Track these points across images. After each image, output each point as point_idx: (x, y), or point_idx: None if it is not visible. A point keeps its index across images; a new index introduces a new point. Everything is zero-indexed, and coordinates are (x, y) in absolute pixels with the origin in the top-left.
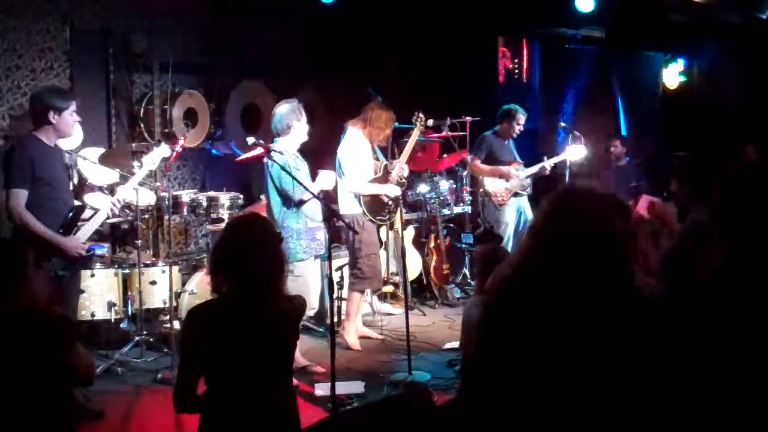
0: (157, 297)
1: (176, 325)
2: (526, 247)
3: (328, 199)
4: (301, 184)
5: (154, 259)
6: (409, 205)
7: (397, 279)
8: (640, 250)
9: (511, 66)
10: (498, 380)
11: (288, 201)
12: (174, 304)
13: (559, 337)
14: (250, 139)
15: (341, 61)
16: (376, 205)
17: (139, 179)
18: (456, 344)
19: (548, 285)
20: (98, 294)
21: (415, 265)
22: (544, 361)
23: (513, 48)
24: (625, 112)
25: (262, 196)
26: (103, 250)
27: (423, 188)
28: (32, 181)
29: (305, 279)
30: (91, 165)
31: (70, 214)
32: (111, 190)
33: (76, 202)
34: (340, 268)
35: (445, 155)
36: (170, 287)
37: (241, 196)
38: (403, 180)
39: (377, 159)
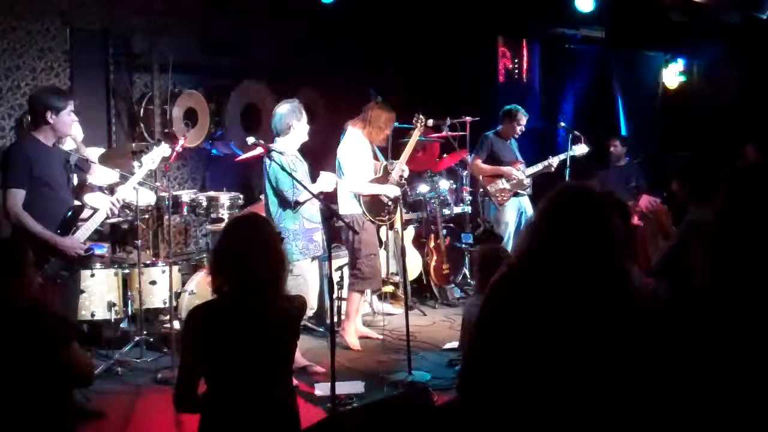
0: (157, 297)
1: (176, 325)
2: (523, 244)
3: (328, 199)
4: (300, 183)
5: (154, 259)
6: (409, 205)
7: (397, 279)
8: (640, 250)
9: (511, 66)
10: (495, 374)
11: (284, 202)
12: (174, 304)
13: (555, 333)
14: (250, 139)
15: (341, 61)
16: (375, 206)
17: (139, 179)
18: (456, 344)
19: (545, 281)
20: (98, 294)
21: (415, 265)
22: (541, 356)
23: (513, 48)
24: (625, 112)
25: (262, 196)
26: (103, 250)
27: (423, 188)
28: (30, 181)
29: (305, 278)
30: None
31: (69, 214)
32: (111, 190)
33: (76, 202)
34: (340, 268)
35: (445, 155)
36: (170, 287)
37: (241, 196)
38: (403, 181)
39: (377, 159)
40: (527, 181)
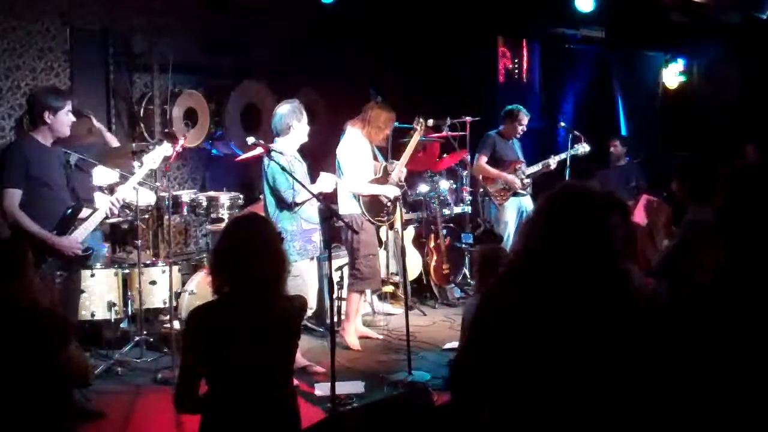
0: (157, 297)
1: (176, 325)
2: (521, 243)
3: (328, 199)
4: (300, 183)
5: (154, 259)
6: (409, 205)
7: (397, 279)
8: (640, 250)
9: (511, 66)
10: (491, 373)
11: (282, 203)
12: (174, 304)
13: (553, 332)
14: (250, 139)
15: (341, 61)
16: (375, 206)
17: (140, 178)
18: (456, 344)
19: (542, 281)
20: (98, 294)
21: (415, 265)
22: (539, 355)
23: (513, 48)
24: (625, 112)
25: (262, 196)
26: (103, 250)
27: (423, 188)
28: (27, 181)
29: (303, 279)
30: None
31: (67, 214)
32: (111, 190)
33: (99, 202)
34: (340, 268)
35: (445, 155)
36: (170, 287)
37: (241, 196)
38: (402, 182)
39: (376, 160)
40: (527, 181)
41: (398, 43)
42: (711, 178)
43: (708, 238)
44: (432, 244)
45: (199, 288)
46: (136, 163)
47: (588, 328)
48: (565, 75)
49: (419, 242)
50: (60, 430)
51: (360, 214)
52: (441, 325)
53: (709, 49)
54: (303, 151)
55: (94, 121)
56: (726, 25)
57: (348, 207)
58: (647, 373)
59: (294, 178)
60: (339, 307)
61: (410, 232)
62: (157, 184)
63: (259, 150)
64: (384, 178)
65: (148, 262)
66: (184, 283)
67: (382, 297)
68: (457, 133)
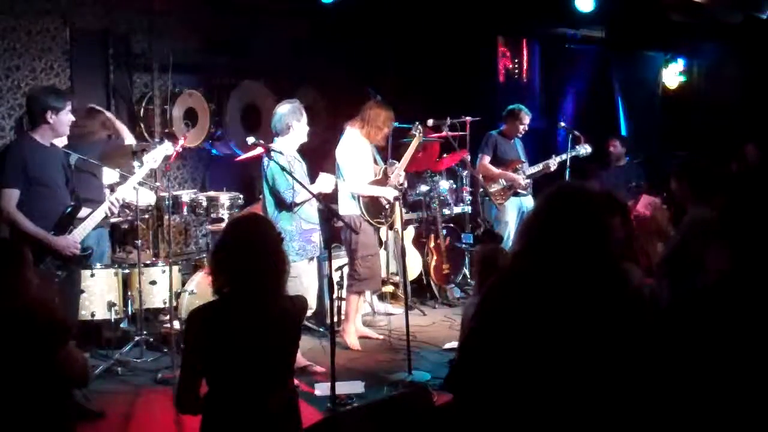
0: (157, 297)
1: (176, 325)
2: (519, 243)
3: (328, 199)
4: (300, 183)
5: (154, 259)
6: (409, 205)
7: (397, 279)
8: (640, 250)
9: (511, 66)
10: (490, 373)
11: (281, 203)
12: (174, 304)
13: (551, 332)
14: (250, 139)
15: (341, 61)
16: (374, 207)
17: (140, 177)
18: (456, 344)
19: (540, 281)
20: (98, 294)
21: (415, 265)
22: (538, 356)
23: (513, 48)
24: (625, 112)
25: (262, 196)
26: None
27: (423, 188)
28: (26, 181)
29: (301, 279)
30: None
31: (65, 213)
32: (111, 189)
33: (112, 200)
34: (340, 268)
35: (445, 155)
36: (170, 287)
37: (241, 196)
38: (400, 186)
39: (376, 164)
40: (528, 181)
41: (398, 43)
42: (710, 177)
43: (708, 237)
44: (432, 244)
45: (199, 288)
46: (136, 163)
47: (587, 328)
48: (565, 75)
49: (419, 242)
50: (59, 430)
51: (358, 215)
52: (441, 325)
53: (709, 49)
54: (303, 151)
55: (108, 115)
56: (726, 25)
57: (347, 208)
58: (647, 373)
59: (294, 177)
60: (339, 307)
61: (410, 232)
62: (157, 184)
63: (259, 150)
64: (383, 181)
65: (148, 262)
66: (184, 283)
67: (382, 297)
68: (457, 133)
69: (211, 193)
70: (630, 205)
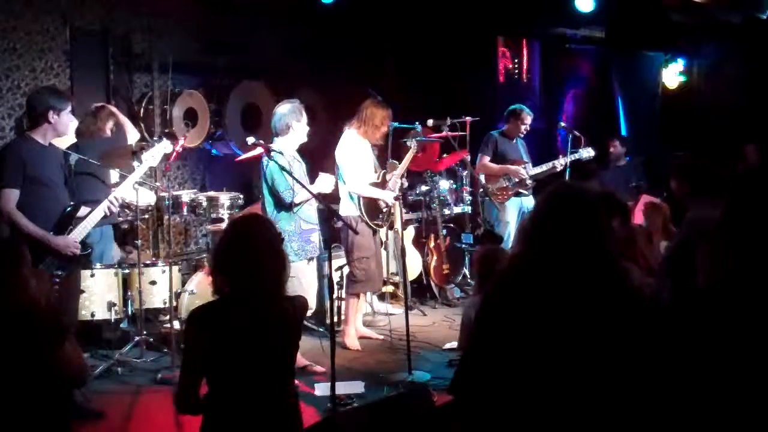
0: (157, 297)
1: (176, 325)
2: (519, 244)
3: (329, 199)
4: (300, 183)
5: (154, 259)
6: (409, 205)
7: (397, 279)
8: (640, 251)
9: (511, 66)
10: (493, 376)
11: (280, 203)
12: (174, 304)
13: (553, 331)
14: (250, 139)
15: (341, 61)
16: (373, 209)
17: (139, 176)
18: (456, 344)
19: (540, 282)
20: (98, 294)
21: (415, 265)
22: (538, 357)
23: (513, 48)
24: (625, 112)
25: (262, 196)
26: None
27: (423, 188)
28: (25, 181)
29: (299, 279)
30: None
31: (65, 213)
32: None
33: (118, 199)
34: (340, 268)
35: (445, 155)
36: (170, 287)
37: (241, 196)
38: (399, 192)
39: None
40: (530, 181)
41: (398, 43)
42: (710, 177)
43: (709, 236)
44: (432, 244)
45: (199, 288)
46: (135, 163)
47: (587, 327)
48: (565, 75)
49: (419, 242)
50: (58, 430)
51: (356, 216)
52: (441, 325)
53: (709, 49)
54: (303, 151)
55: (112, 109)
56: (726, 25)
57: (346, 208)
58: (647, 373)
59: (293, 177)
60: (339, 307)
61: (410, 232)
62: (157, 184)
63: (259, 150)
64: (382, 185)
65: (148, 262)
66: (184, 283)
67: (382, 297)
68: (457, 133)
69: (211, 193)
70: (630, 205)
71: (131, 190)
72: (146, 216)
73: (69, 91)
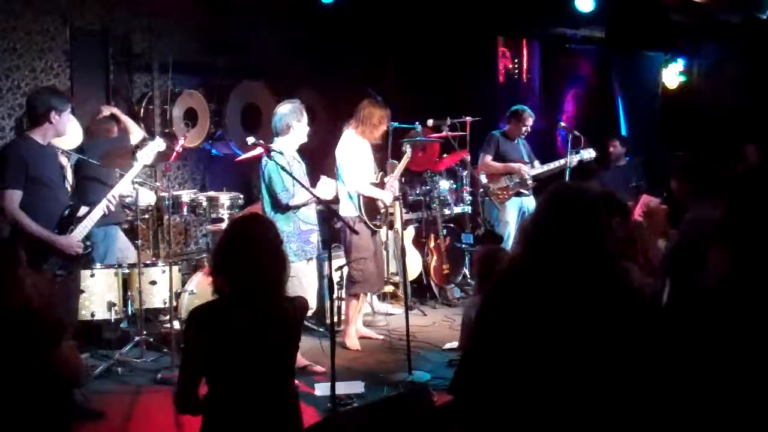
0: (157, 297)
1: (176, 325)
2: (519, 246)
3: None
4: (300, 183)
5: (154, 259)
6: (409, 205)
7: (397, 279)
8: (640, 251)
9: (511, 66)
10: (493, 376)
11: (276, 204)
12: (174, 304)
13: (553, 332)
14: (250, 139)
15: (341, 61)
16: (372, 209)
17: (135, 174)
18: (456, 344)
19: (540, 283)
20: (98, 294)
21: (415, 265)
22: (540, 355)
23: (513, 48)
24: (625, 112)
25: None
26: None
27: (423, 188)
28: (27, 181)
29: (299, 279)
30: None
31: (65, 213)
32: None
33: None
34: (340, 268)
35: (445, 155)
36: (170, 287)
37: (241, 196)
38: (397, 193)
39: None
40: (531, 182)
41: (398, 43)
42: (710, 177)
43: (709, 236)
44: (432, 244)
45: (199, 288)
46: (135, 163)
47: (587, 328)
48: (565, 75)
49: (419, 242)
50: (56, 430)
51: (355, 217)
52: (441, 325)
53: (709, 49)
54: (303, 151)
55: (114, 110)
56: (726, 25)
57: (345, 209)
58: (648, 373)
59: (293, 177)
60: (339, 307)
61: (410, 232)
62: (157, 184)
63: (259, 150)
64: (381, 186)
65: (148, 262)
66: (184, 283)
67: (382, 297)
68: (457, 133)
69: (211, 193)
70: (630, 205)
71: (128, 187)
72: (146, 216)
73: (69, 91)
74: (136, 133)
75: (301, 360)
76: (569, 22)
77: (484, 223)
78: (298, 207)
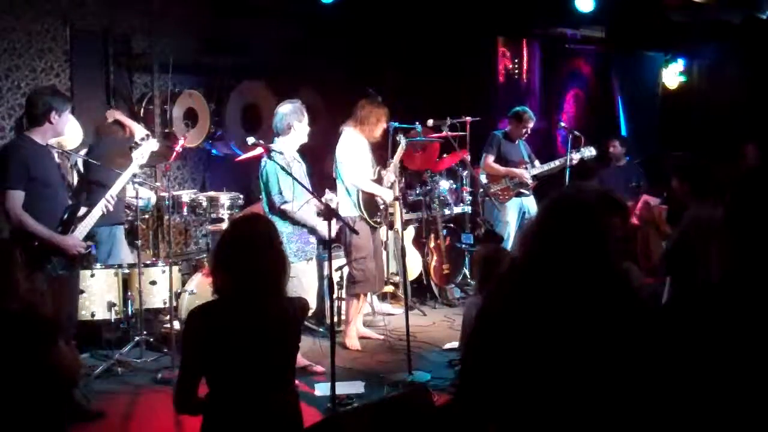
0: (157, 297)
1: (176, 325)
2: (520, 251)
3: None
4: (300, 183)
5: (154, 259)
6: (409, 205)
7: (397, 279)
8: (641, 251)
9: (511, 66)
10: (493, 374)
11: (271, 205)
12: (174, 304)
13: (554, 335)
14: (250, 139)
15: (341, 61)
16: (372, 206)
17: (131, 174)
18: (456, 344)
19: (542, 288)
20: (98, 294)
21: (415, 265)
22: (541, 358)
23: (513, 48)
24: (625, 112)
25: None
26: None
27: (423, 188)
28: (28, 181)
29: (299, 280)
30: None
31: (66, 213)
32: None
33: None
34: (340, 268)
35: (445, 155)
36: (170, 287)
37: (241, 196)
38: (397, 192)
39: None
40: (531, 181)
41: (398, 43)
42: (711, 176)
43: (709, 234)
44: (432, 244)
45: (199, 288)
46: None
47: (589, 332)
48: (565, 75)
49: (419, 242)
50: (51, 430)
51: (354, 217)
52: (441, 325)
53: (709, 49)
54: (302, 151)
55: (117, 115)
56: (726, 25)
57: (344, 208)
58: (649, 374)
59: (293, 177)
60: (339, 307)
61: (410, 232)
62: (157, 184)
63: (259, 150)
64: (379, 181)
65: (148, 262)
66: (184, 283)
67: (382, 297)
68: (457, 133)
69: (211, 193)
70: (630, 205)
71: (124, 186)
72: (146, 216)
73: (69, 91)
74: (139, 132)
75: (301, 360)
76: (569, 22)
77: (483, 223)
78: (287, 215)
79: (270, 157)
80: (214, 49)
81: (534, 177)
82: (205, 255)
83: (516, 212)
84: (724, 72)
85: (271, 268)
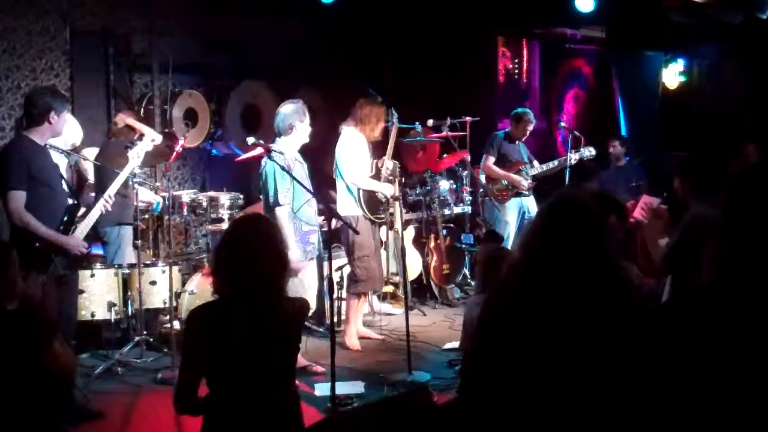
0: (157, 297)
1: (176, 325)
2: (520, 254)
3: (329, 199)
4: (301, 183)
5: (154, 259)
6: (409, 205)
7: (397, 279)
8: (641, 251)
9: (511, 66)
10: (496, 375)
11: (266, 205)
12: (174, 304)
13: (554, 337)
14: (250, 139)
15: (341, 61)
16: (373, 203)
17: (127, 174)
18: (456, 344)
19: (543, 290)
20: (98, 294)
21: (415, 265)
22: (539, 358)
23: (513, 48)
24: (625, 112)
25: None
26: (100, 250)
27: (423, 188)
28: (30, 181)
29: (300, 279)
30: (91, 165)
31: (67, 214)
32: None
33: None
34: (340, 268)
35: (445, 155)
36: (170, 287)
37: (241, 196)
38: (391, 177)
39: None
40: (530, 181)
41: (398, 43)
42: (713, 175)
43: (709, 234)
44: (432, 244)
45: (199, 288)
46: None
47: (589, 331)
48: (565, 75)
49: (419, 242)
50: (48, 429)
51: (356, 215)
52: (441, 325)
53: (709, 49)
54: (303, 151)
55: (126, 119)
56: (726, 25)
57: (345, 208)
58: (649, 374)
59: (293, 177)
60: (339, 307)
61: (410, 232)
62: (157, 184)
63: (259, 150)
64: (377, 176)
65: (148, 262)
66: (184, 283)
67: (382, 297)
68: (457, 133)
69: (212, 193)
70: (630, 205)
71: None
72: (146, 216)
73: (69, 91)
74: (149, 134)
75: (301, 360)
76: (569, 22)
77: (483, 223)
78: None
79: (270, 157)
80: (214, 49)
81: (533, 177)
82: (205, 255)
83: (516, 212)
84: (724, 72)
85: (271, 268)
